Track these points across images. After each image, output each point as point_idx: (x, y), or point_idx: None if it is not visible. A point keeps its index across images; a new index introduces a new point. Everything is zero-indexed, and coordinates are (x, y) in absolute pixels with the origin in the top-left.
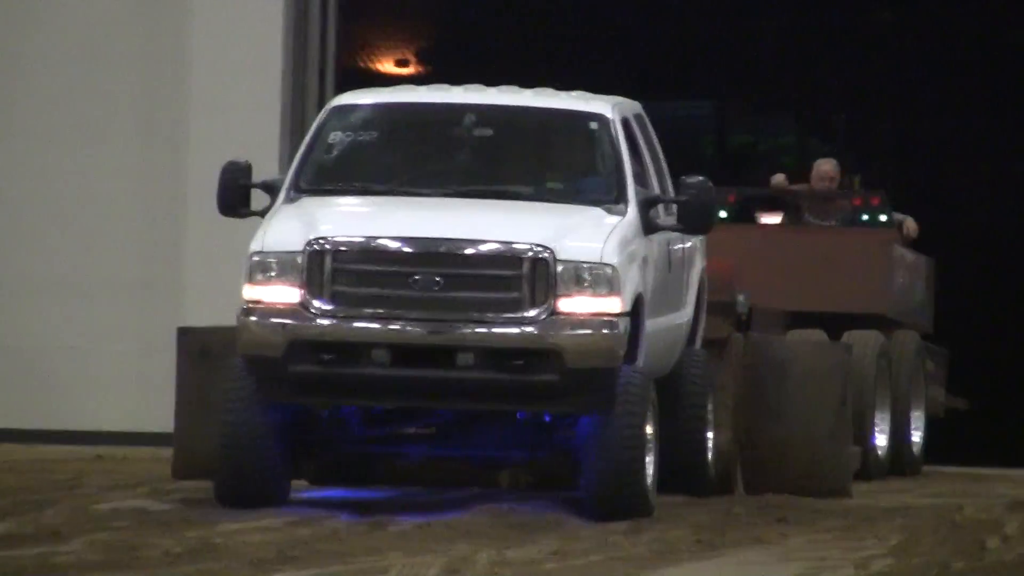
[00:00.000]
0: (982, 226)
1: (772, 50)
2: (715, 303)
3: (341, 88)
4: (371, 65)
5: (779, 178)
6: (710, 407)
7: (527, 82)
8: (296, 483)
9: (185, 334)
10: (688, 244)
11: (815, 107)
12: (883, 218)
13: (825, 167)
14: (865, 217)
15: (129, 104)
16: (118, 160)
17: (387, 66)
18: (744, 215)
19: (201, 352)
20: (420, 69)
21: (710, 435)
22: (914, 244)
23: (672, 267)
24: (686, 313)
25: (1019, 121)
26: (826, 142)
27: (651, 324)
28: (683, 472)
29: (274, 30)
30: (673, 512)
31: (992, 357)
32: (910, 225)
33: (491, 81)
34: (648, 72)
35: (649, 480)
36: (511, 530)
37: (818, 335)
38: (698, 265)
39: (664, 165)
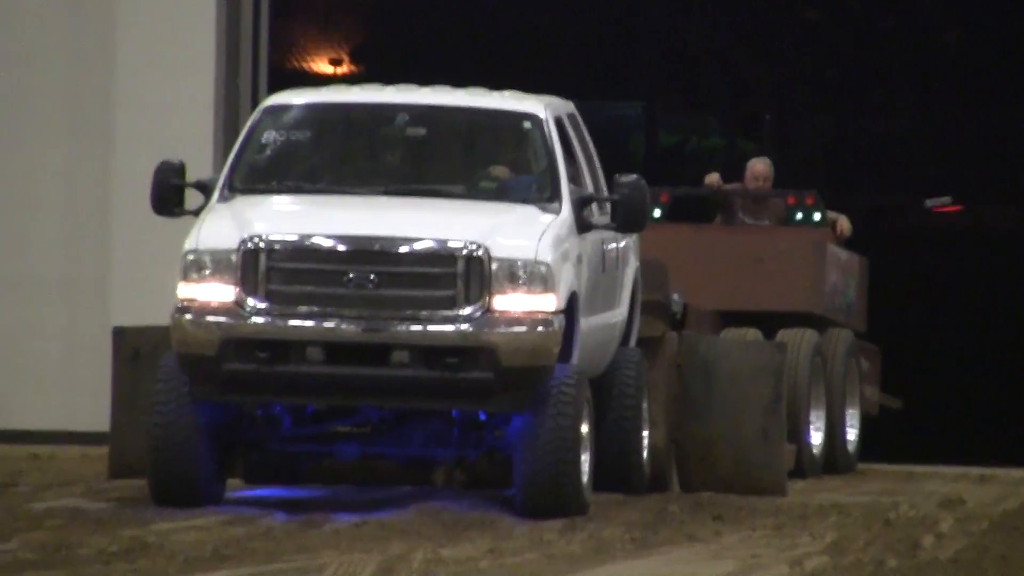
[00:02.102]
0: (912, 225)
1: (700, 50)
2: (650, 302)
3: (274, 88)
4: (305, 65)
5: (713, 177)
6: (644, 406)
7: (459, 82)
8: (231, 482)
9: (119, 334)
10: (622, 244)
11: (742, 107)
12: (817, 217)
13: (759, 167)
14: (799, 216)
15: (57, 103)
16: (45, 158)
17: (321, 65)
18: (676, 215)
19: (135, 352)
20: (354, 68)
21: (645, 434)
22: (847, 243)
23: (606, 266)
24: (620, 312)
25: (946, 118)
26: (753, 141)
27: (585, 323)
28: (617, 471)
29: (207, 29)
30: (607, 510)
31: (923, 355)
32: (843, 224)
33: (424, 81)
34: (579, 72)
35: (584, 479)
36: (445, 529)
37: (753, 334)
38: (632, 264)
39: (598, 164)
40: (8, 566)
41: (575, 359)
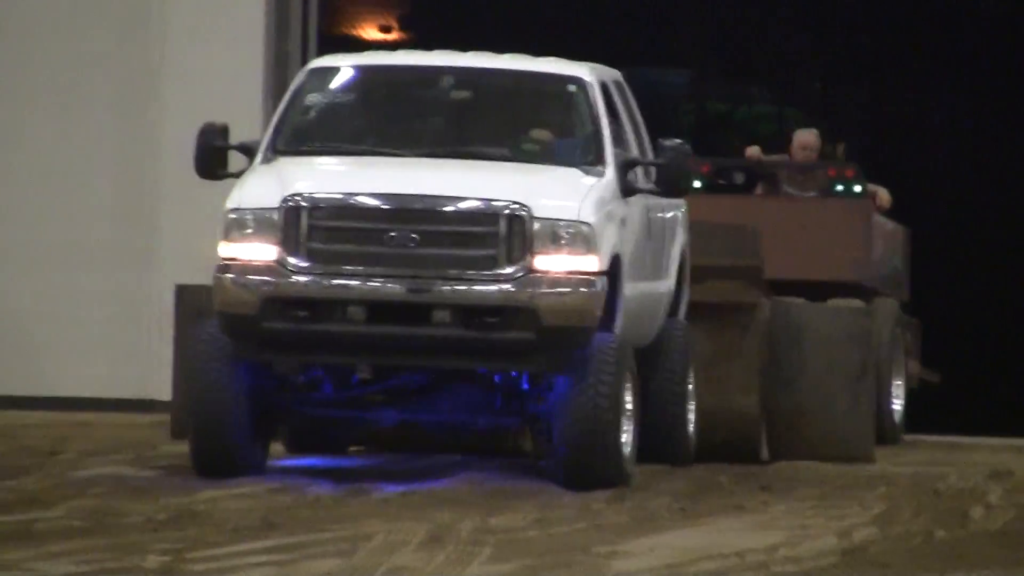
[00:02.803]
0: (953, 198)
1: (749, 20)
2: (743, 268)
3: (323, 54)
4: (354, 32)
5: (754, 150)
6: (690, 379)
7: (508, 50)
8: (275, 451)
9: (181, 292)
10: (670, 214)
11: (791, 77)
12: (857, 189)
13: (806, 137)
14: (840, 188)
15: (108, 70)
16: (96, 126)
17: (371, 32)
18: (718, 185)
19: (197, 311)
20: (403, 35)
21: (691, 406)
22: (886, 214)
23: (653, 235)
24: (667, 283)
25: (990, 93)
26: (801, 111)
27: (630, 289)
28: (662, 443)
29: None
30: (654, 480)
31: (963, 329)
32: (883, 196)
33: (476, 47)
34: (628, 41)
35: (627, 450)
36: (492, 498)
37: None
38: (680, 236)
39: (644, 131)
40: (54, 533)
41: (619, 325)
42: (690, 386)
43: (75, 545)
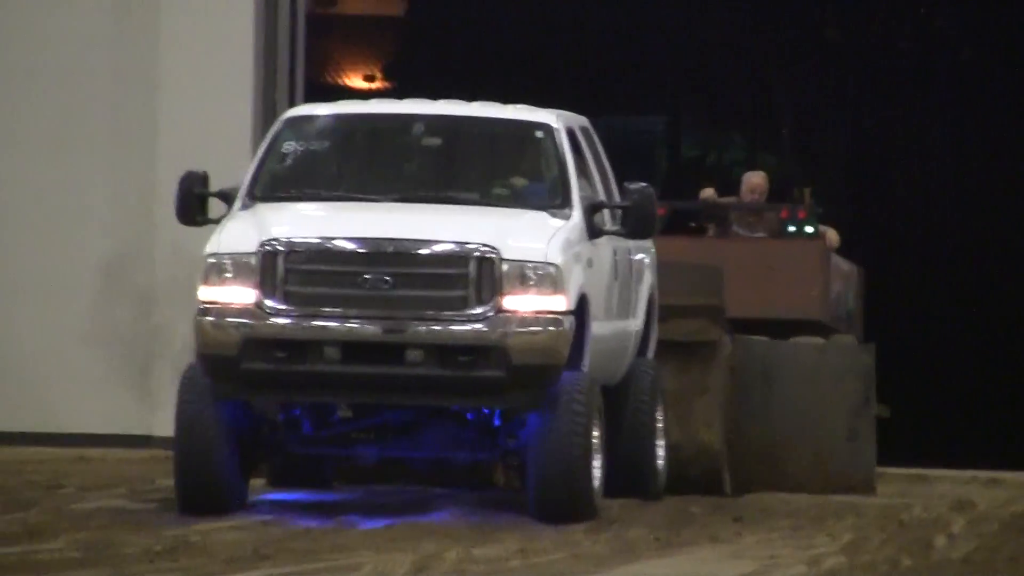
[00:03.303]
0: (918, 234)
1: (723, 68)
2: (705, 307)
3: (310, 103)
4: (339, 80)
5: (708, 192)
6: (659, 415)
7: (487, 97)
8: (260, 485)
9: None
10: (638, 256)
11: (763, 122)
12: (809, 230)
13: (755, 179)
14: (792, 228)
15: (102, 119)
16: (91, 172)
17: (355, 81)
18: (674, 228)
19: None
20: (387, 84)
21: (660, 442)
22: (839, 254)
23: (620, 275)
24: (636, 323)
25: (960, 134)
26: (773, 154)
27: (598, 327)
28: (632, 477)
29: (245, 47)
30: (631, 512)
31: (915, 361)
32: (832, 236)
33: (455, 95)
34: (606, 89)
35: (596, 483)
36: (474, 530)
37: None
38: (648, 278)
39: (611, 175)
40: (55, 564)
41: (586, 363)
42: (659, 424)
43: None
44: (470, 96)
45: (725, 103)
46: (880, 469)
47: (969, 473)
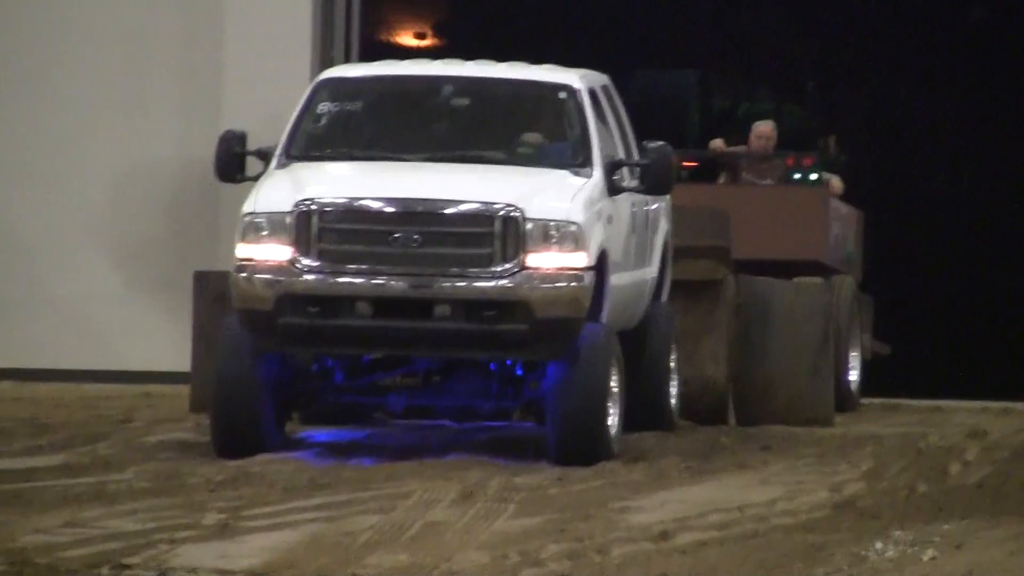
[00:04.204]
0: (930, 187)
1: (752, 24)
2: (711, 247)
3: (365, 60)
4: (392, 39)
5: (717, 142)
6: (673, 356)
7: (534, 54)
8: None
9: (201, 278)
10: (654, 206)
11: (789, 75)
12: (813, 177)
13: (763, 127)
14: (797, 176)
15: (170, 78)
16: (158, 128)
17: (407, 39)
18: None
19: (215, 296)
20: (437, 42)
21: (673, 381)
22: (840, 199)
23: (637, 227)
24: (651, 270)
25: (971, 92)
26: (799, 106)
27: (616, 279)
28: (648, 414)
29: (303, 6)
30: (664, 442)
31: (912, 305)
32: (835, 184)
33: (501, 51)
34: (642, 44)
35: (613, 429)
36: (515, 462)
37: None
38: (663, 226)
39: (630, 132)
40: (125, 493)
41: (605, 315)
42: (672, 363)
43: (142, 504)
44: (514, 52)
45: (754, 58)
46: (898, 401)
47: (982, 404)
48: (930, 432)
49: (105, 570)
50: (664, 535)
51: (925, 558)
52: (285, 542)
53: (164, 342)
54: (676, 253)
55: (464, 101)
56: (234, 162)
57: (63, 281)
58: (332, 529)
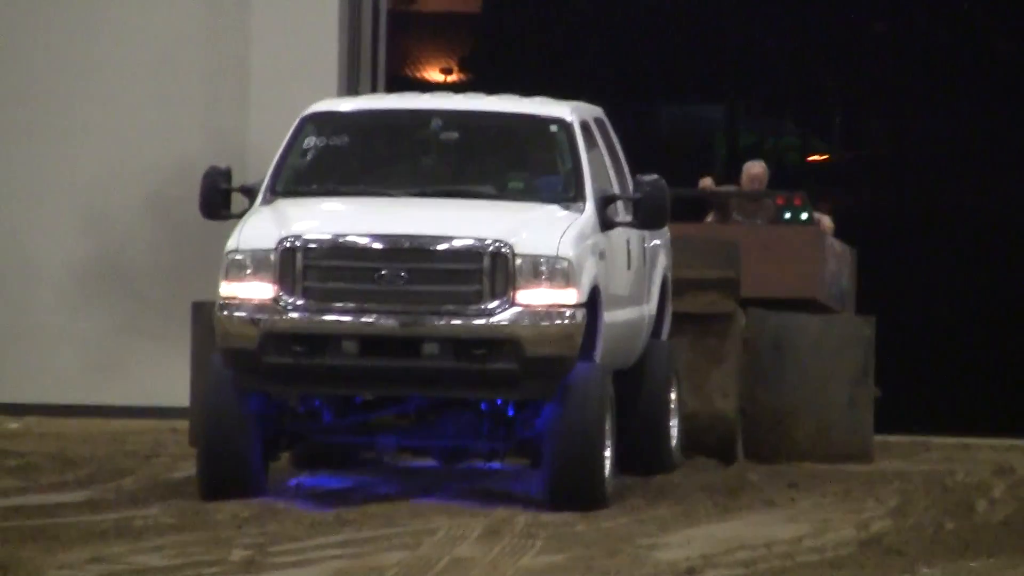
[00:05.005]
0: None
1: (777, 59)
2: (720, 280)
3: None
4: (418, 74)
5: (706, 181)
6: (673, 396)
7: (560, 89)
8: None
9: (198, 309)
10: (653, 242)
11: (814, 109)
12: (804, 216)
13: (755, 169)
14: (787, 215)
15: (197, 113)
16: (190, 159)
17: (433, 74)
18: (674, 216)
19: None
20: (462, 76)
21: (673, 423)
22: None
23: (633, 263)
24: (649, 307)
25: (1000, 123)
26: (824, 141)
27: (610, 316)
28: (646, 456)
29: (330, 42)
30: (690, 478)
31: (907, 339)
32: (826, 223)
33: (527, 87)
34: (669, 79)
35: (606, 472)
36: (539, 499)
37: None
38: (661, 262)
39: (624, 165)
40: (151, 529)
41: (599, 353)
42: (672, 404)
43: (168, 540)
44: (539, 87)
45: (779, 92)
46: (924, 438)
47: (1009, 441)
48: (956, 469)
49: None
50: (691, 572)
51: None
52: None
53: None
54: (683, 285)
55: (453, 135)
56: (219, 198)
57: (89, 314)
58: (358, 565)
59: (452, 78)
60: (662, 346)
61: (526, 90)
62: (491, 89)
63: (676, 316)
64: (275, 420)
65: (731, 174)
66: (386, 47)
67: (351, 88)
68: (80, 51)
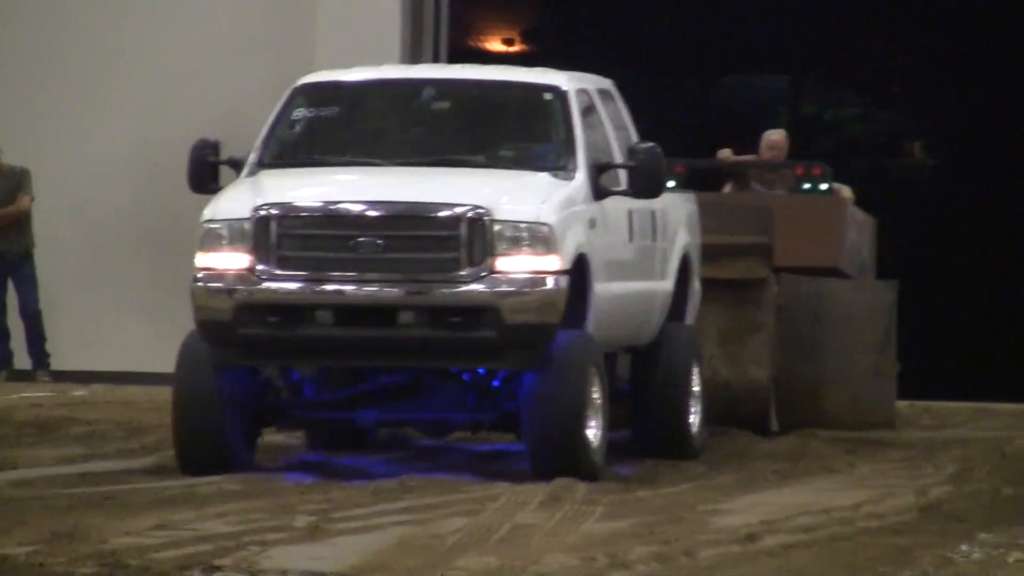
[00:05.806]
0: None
1: (840, 30)
2: (753, 245)
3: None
4: (480, 44)
5: (725, 152)
6: (694, 378)
7: (621, 60)
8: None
9: None
10: (671, 216)
11: (876, 80)
12: (823, 187)
13: (774, 137)
14: (807, 186)
15: (265, 93)
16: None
17: (495, 44)
18: (693, 185)
19: None
20: (525, 48)
21: (694, 407)
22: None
23: (639, 234)
24: (664, 284)
25: None
26: (886, 111)
27: (605, 287)
28: (665, 439)
29: (393, 14)
30: (751, 446)
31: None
32: (846, 193)
33: (588, 60)
34: (735, 50)
35: (595, 442)
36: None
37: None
38: (682, 237)
39: (633, 135)
40: (215, 496)
41: (590, 323)
42: (695, 387)
43: (233, 507)
44: (601, 59)
45: (842, 63)
46: (986, 404)
47: None
48: (1015, 436)
49: (196, 572)
50: (751, 538)
51: (1011, 560)
52: (374, 544)
53: None
54: (716, 251)
55: (444, 105)
56: (207, 172)
57: (156, 283)
58: (421, 532)
59: (514, 49)
60: (683, 329)
61: (586, 62)
62: (554, 62)
63: (709, 283)
64: (256, 396)
65: (793, 145)
66: (448, 18)
67: (414, 59)
68: (155, 24)
